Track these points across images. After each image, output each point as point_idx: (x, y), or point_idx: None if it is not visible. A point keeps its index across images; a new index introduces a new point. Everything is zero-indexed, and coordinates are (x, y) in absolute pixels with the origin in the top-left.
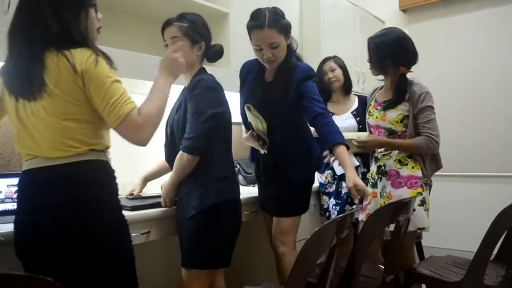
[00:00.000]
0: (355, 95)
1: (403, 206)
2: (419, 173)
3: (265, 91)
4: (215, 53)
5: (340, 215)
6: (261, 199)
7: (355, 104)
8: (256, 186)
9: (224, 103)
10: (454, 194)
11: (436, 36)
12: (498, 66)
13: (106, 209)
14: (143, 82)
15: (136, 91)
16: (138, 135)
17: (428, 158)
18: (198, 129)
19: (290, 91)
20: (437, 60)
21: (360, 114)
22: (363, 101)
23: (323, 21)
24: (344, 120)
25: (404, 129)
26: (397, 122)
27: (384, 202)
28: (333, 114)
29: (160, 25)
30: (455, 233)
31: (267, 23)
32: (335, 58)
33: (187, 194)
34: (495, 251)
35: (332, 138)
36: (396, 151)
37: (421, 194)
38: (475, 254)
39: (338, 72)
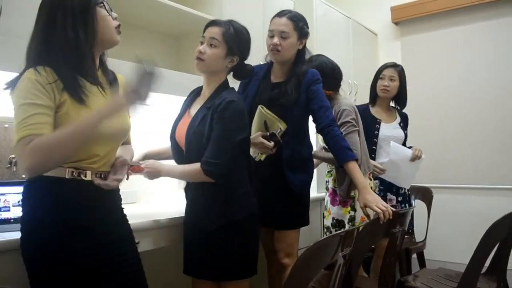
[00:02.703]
0: (393, 107)
1: (397, 218)
2: (351, 193)
3: (274, 93)
4: (244, 73)
5: (344, 230)
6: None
7: (397, 116)
8: None
9: (248, 125)
10: (448, 206)
11: (428, 48)
12: (490, 78)
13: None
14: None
15: None
16: (22, 166)
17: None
18: (224, 156)
19: (301, 94)
20: (429, 72)
21: (403, 126)
22: (403, 115)
23: (316, 33)
24: (394, 129)
25: None
26: None
27: (326, 216)
28: (380, 120)
29: (155, 36)
30: (449, 245)
31: (288, 15)
32: (399, 68)
33: (207, 207)
34: (487, 264)
35: (343, 155)
36: (335, 170)
37: (349, 213)
38: (467, 267)
39: (396, 84)
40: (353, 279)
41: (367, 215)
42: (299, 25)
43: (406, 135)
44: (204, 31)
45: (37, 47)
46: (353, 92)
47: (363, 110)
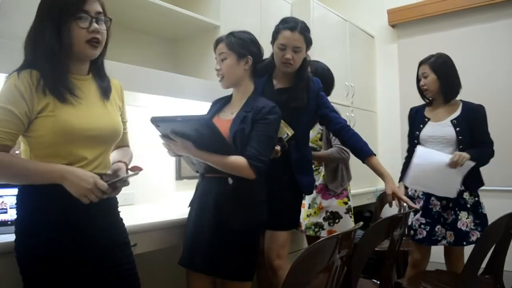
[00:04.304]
0: (461, 101)
1: (397, 221)
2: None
3: (281, 98)
4: (262, 67)
5: (342, 232)
6: None
7: (457, 111)
8: None
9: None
10: None
11: (425, 51)
12: (486, 80)
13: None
14: (144, 95)
15: (135, 103)
16: None
17: (343, 170)
18: (268, 154)
19: (310, 100)
20: None
21: (462, 123)
22: (468, 109)
23: (313, 35)
24: (442, 128)
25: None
26: (316, 140)
27: (315, 212)
28: (428, 119)
29: (152, 38)
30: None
31: (299, 29)
32: (430, 61)
33: (235, 207)
34: (483, 265)
35: (365, 150)
36: (323, 168)
37: (347, 204)
38: (463, 269)
39: (431, 79)
40: (353, 284)
41: (390, 202)
42: (308, 37)
43: (460, 132)
44: (215, 53)
45: (31, 48)
46: (350, 94)
47: (416, 111)
